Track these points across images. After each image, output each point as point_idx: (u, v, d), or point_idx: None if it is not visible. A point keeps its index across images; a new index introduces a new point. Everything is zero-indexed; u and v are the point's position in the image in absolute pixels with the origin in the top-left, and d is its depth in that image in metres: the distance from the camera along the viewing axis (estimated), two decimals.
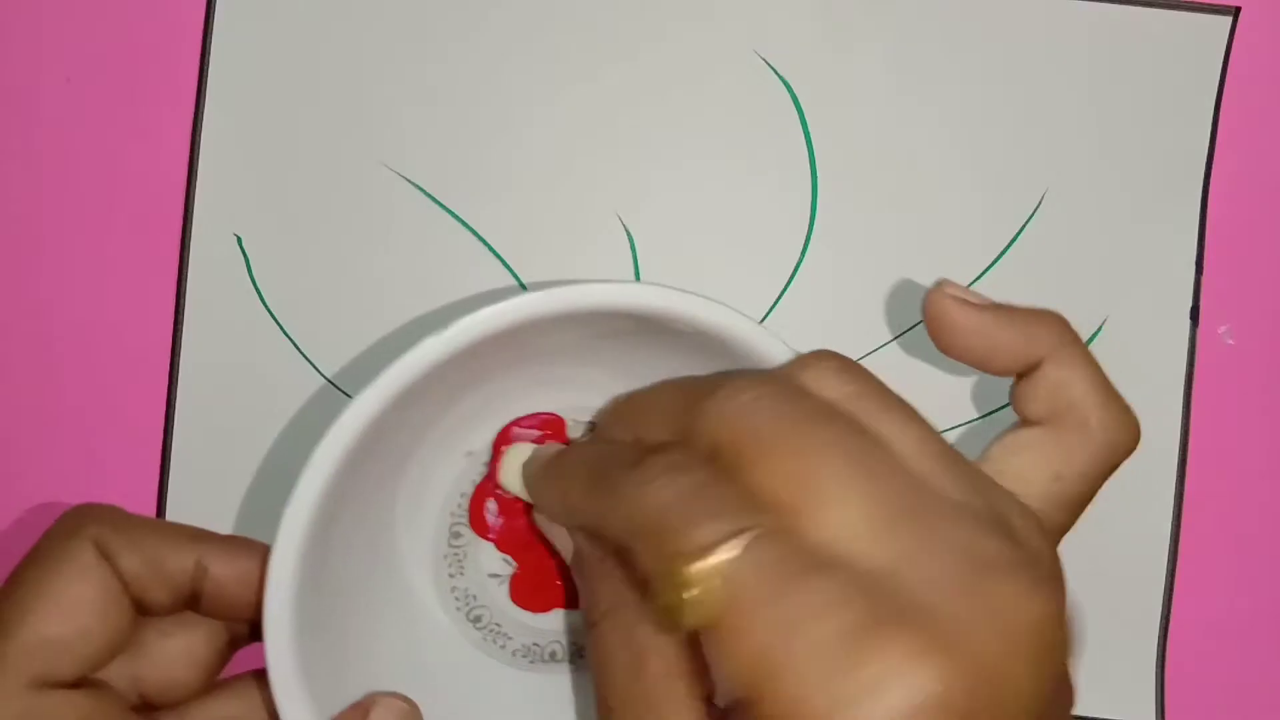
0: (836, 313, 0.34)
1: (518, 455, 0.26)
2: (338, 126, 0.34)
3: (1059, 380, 0.22)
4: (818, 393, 0.19)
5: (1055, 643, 0.16)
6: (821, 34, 0.34)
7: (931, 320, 0.23)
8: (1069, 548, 0.33)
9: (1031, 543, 0.18)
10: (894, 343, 0.34)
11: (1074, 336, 0.23)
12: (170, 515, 0.34)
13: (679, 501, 0.17)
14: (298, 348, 0.34)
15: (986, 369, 0.23)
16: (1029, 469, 0.22)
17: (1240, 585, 0.34)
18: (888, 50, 0.34)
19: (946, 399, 0.34)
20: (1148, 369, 0.34)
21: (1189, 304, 0.34)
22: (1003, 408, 0.34)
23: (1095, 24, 0.34)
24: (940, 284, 0.23)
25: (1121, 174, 0.34)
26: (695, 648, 0.18)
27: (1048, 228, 0.34)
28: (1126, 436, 0.22)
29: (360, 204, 0.34)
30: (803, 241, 0.34)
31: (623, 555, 0.19)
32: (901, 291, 0.34)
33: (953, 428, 0.34)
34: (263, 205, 0.34)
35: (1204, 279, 0.34)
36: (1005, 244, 0.34)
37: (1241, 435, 0.34)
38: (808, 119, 0.34)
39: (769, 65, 0.34)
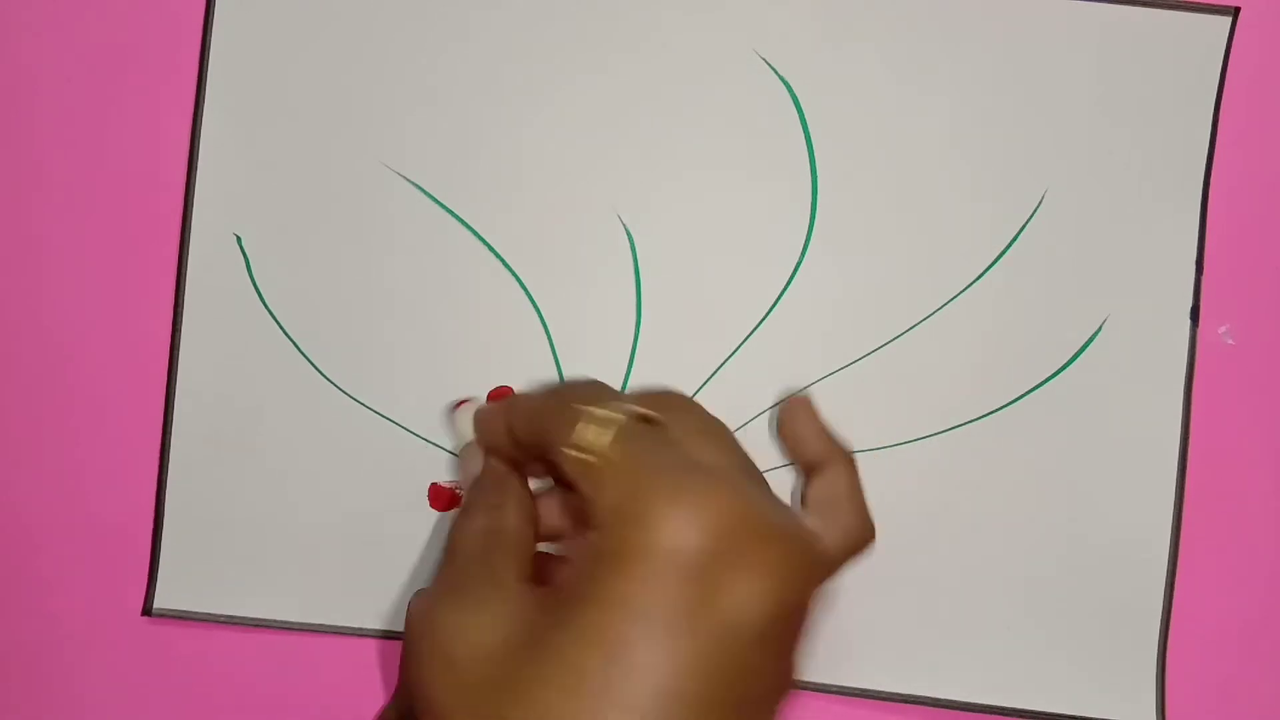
0: (836, 313, 0.34)
1: (469, 409, 0.32)
2: (338, 126, 0.34)
3: (833, 482, 0.30)
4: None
5: (797, 564, 0.23)
6: (821, 34, 0.34)
7: (783, 411, 0.32)
8: (1070, 547, 0.33)
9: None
10: (894, 343, 0.34)
11: (853, 461, 0.31)
12: (169, 515, 0.34)
13: (599, 398, 0.26)
14: (298, 348, 0.34)
15: (792, 457, 0.32)
16: None
17: (1240, 585, 0.34)
18: (887, 50, 0.34)
19: (945, 399, 0.34)
20: (1148, 369, 0.34)
21: (1189, 304, 0.34)
22: (1000, 409, 0.34)
23: (1095, 24, 0.34)
24: (801, 396, 0.32)
25: (1121, 174, 0.34)
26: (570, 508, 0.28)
27: (1048, 228, 0.34)
28: (863, 535, 0.30)
29: (360, 204, 0.34)
30: (803, 241, 0.34)
31: (523, 458, 0.29)
32: (901, 291, 0.34)
33: (951, 428, 0.34)
34: (263, 205, 0.34)
35: (1204, 279, 0.34)
36: (1005, 244, 0.34)
37: (1241, 435, 0.34)
38: (808, 119, 0.34)
39: (769, 65, 0.34)
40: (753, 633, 0.22)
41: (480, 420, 0.31)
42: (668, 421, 0.26)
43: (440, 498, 0.34)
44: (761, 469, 0.33)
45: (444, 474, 0.34)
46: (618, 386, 0.34)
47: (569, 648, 0.22)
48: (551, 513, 0.30)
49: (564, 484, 0.27)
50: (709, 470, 0.23)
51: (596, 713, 0.21)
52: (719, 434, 0.26)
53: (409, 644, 0.25)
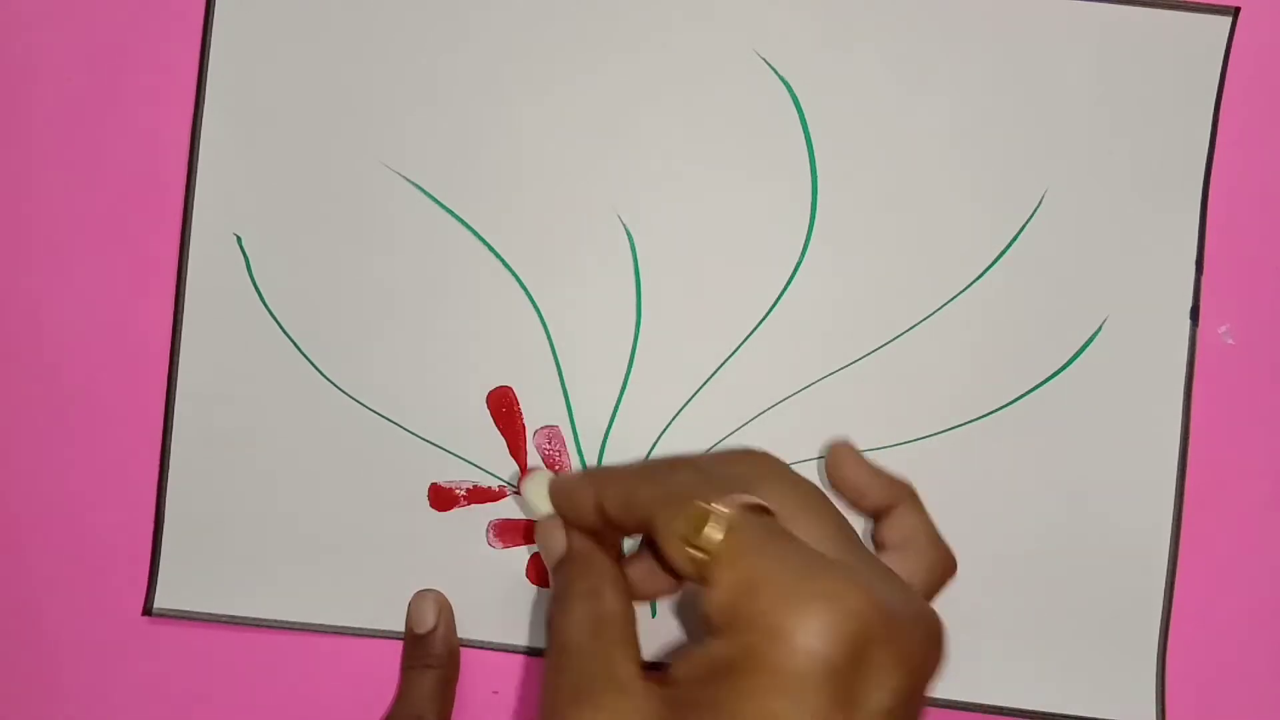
0: (836, 313, 0.34)
1: (539, 479, 0.31)
2: (338, 126, 0.34)
3: (906, 523, 0.30)
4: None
5: (914, 624, 0.23)
6: (821, 34, 0.34)
7: (831, 463, 0.32)
8: (1070, 546, 0.33)
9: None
10: (893, 343, 0.34)
11: (916, 494, 0.31)
12: (169, 515, 0.34)
13: (699, 484, 0.25)
14: (298, 348, 0.34)
15: (857, 506, 0.32)
16: None
17: (1240, 585, 0.34)
18: (887, 50, 0.34)
19: (945, 399, 0.34)
20: (1148, 369, 0.34)
21: (1189, 304, 0.34)
22: (1000, 409, 0.34)
23: (1095, 24, 0.34)
24: (842, 443, 0.33)
25: (1121, 174, 0.34)
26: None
27: (1048, 228, 0.34)
28: (948, 567, 0.30)
29: (360, 204, 0.34)
30: (803, 241, 0.34)
31: (608, 535, 0.29)
32: (901, 291, 0.34)
33: (951, 428, 0.34)
34: (263, 205, 0.34)
35: (1204, 279, 0.34)
36: (1005, 244, 0.34)
37: (1241, 435, 0.34)
38: (808, 119, 0.34)
39: (769, 65, 0.34)
40: None
41: (562, 493, 0.30)
42: (773, 503, 0.25)
43: (440, 497, 0.34)
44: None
45: (444, 474, 0.34)
46: (617, 386, 0.34)
47: None
48: (646, 577, 0.29)
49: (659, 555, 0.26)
50: (831, 566, 0.23)
51: None
52: (818, 506, 0.26)
53: None
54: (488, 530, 0.34)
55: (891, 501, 0.31)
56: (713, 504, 0.24)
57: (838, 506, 0.26)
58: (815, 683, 0.21)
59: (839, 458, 0.32)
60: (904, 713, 0.22)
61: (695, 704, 0.22)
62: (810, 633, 0.21)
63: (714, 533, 0.23)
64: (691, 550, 0.23)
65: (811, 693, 0.21)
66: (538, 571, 0.34)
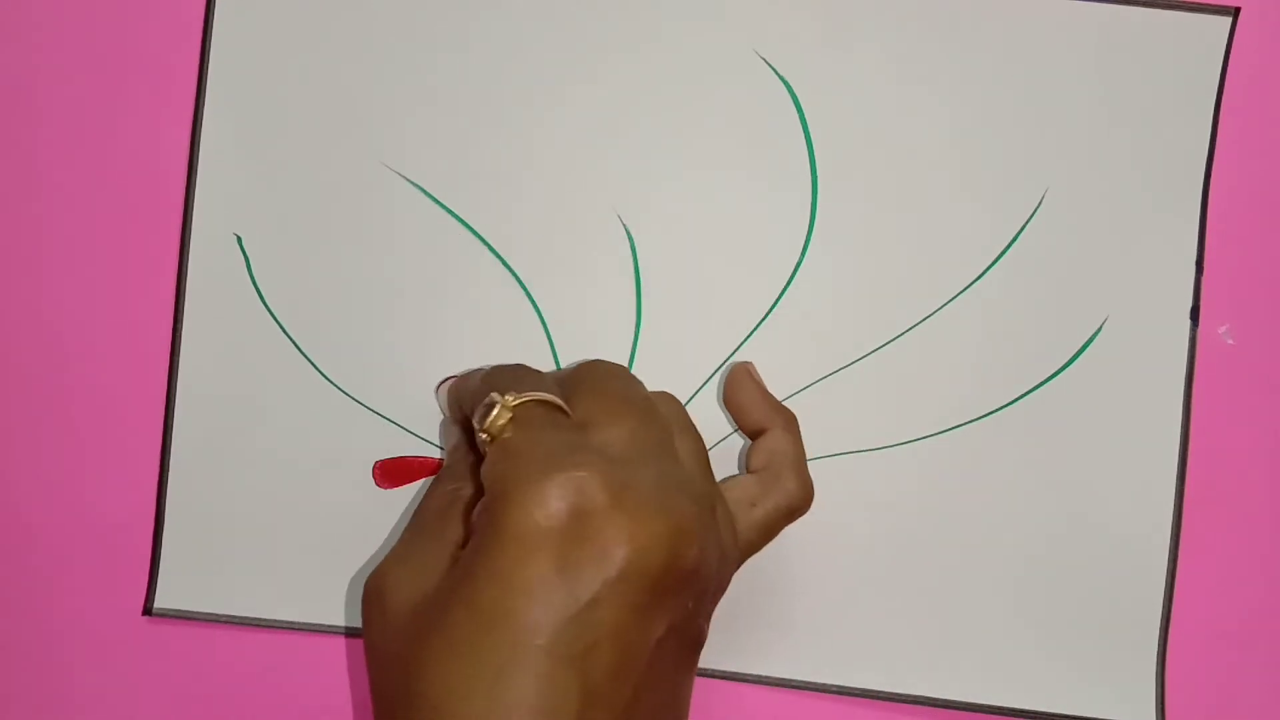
0: (836, 313, 0.34)
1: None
2: (338, 126, 0.34)
3: (774, 446, 0.32)
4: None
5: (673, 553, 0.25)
6: (821, 34, 0.34)
7: (728, 380, 0.33)
8: (1070, 546, 0.33)
9: (710, 515, 0.27)
10: (893, 343, 0.34)
11: (794, 424, 0.32)
12: (169, 515, 0.34)
13: (518, 381, 0.28)
14: (298, 347, 0.34)
15: (739, 426, 0.33)
16: (739, 494, 0.31)
17: (1240, 585, 0.34)
18: (887, 50, 0.34)
19: (945, 399, 0.34)
20: (1148, 369, 0.34)
21: (1189, 304, 0.34)
22: (1000, 409, 0.34)
23: (1095, 24, 0.34)
24: (743, 364, 0.33)
25: (1122, 174, 0.34)
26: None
27: (1048, 228, 0.34)
28: (801, 496, 0.31)
29: (360, 204, 0.34)
30: (803, 242, 0.34)
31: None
32: (901, 291, 0.34)
33: (951, 428, 0.34)
34: (263, 205, 0.34)
35: (1204, 279, 0.34)
36: (1005, 244, 0.34)
37: (1241, 435, 0.34)
38: (808, 119, 0.34)
39: (769, 65, 0.34)
40: (607, 599, 0.24)
41: (443, 396, 0.33)
42: (577, 403, 0.28)
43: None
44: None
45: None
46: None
47: (456, 610, 0.24)
48: None
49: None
50: (580, 448, 0.25)
51: (474, 678, 0.23)
52: (627, 411, 0.28)
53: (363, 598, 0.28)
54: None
55: (766, 424, 0.32)
56: (504, 396, 0.27)
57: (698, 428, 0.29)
58: (534, 544, 0.24)
59: (735, 377, 0.33)
60: (625, 590, 0.24)
61: (459, 566, 0.25)
62: (534, 499, 0.24)
63: (498, 419, 0.26)
64: (481, 435, 0.27)
65: (530, 553, 0.24)
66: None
